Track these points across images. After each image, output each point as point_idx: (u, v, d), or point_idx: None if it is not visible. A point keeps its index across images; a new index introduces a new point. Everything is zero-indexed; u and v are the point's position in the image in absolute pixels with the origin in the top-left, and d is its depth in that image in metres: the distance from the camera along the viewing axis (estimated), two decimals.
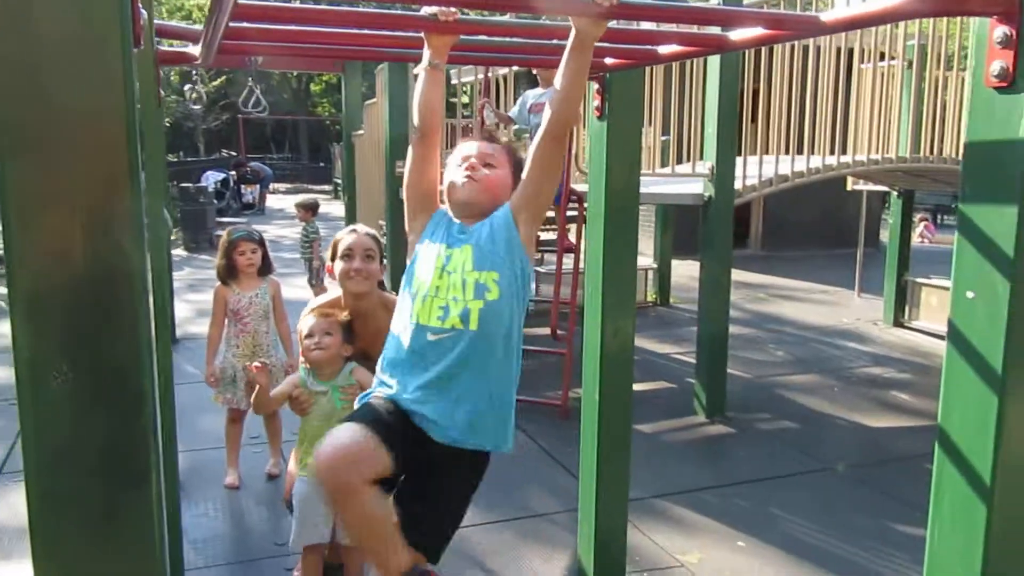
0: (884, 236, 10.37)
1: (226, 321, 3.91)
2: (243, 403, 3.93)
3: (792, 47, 5.68)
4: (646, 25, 2.14)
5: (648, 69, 4.52)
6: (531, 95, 5.35)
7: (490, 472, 2.14)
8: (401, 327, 1.96)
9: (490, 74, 6.24)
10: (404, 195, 2.12)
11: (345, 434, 1.77)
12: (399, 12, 1.75)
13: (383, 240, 2.87)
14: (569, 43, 1.77)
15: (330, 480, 1.73)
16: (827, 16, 1.76)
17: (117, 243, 0.92)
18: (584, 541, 3.06)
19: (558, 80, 1.81)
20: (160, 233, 3.06)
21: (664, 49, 2.24)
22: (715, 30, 2.10)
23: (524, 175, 1.93)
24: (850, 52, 6.26)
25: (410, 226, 2.09)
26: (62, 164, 0.90)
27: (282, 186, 26.74)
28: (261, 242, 4.01)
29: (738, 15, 1.84)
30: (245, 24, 1.65)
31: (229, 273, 3.90)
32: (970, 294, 1.52)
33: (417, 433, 1.90)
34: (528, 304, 1.99)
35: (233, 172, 19.83)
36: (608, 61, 2.47)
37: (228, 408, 3.97)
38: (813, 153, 5.80)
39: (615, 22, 1.88)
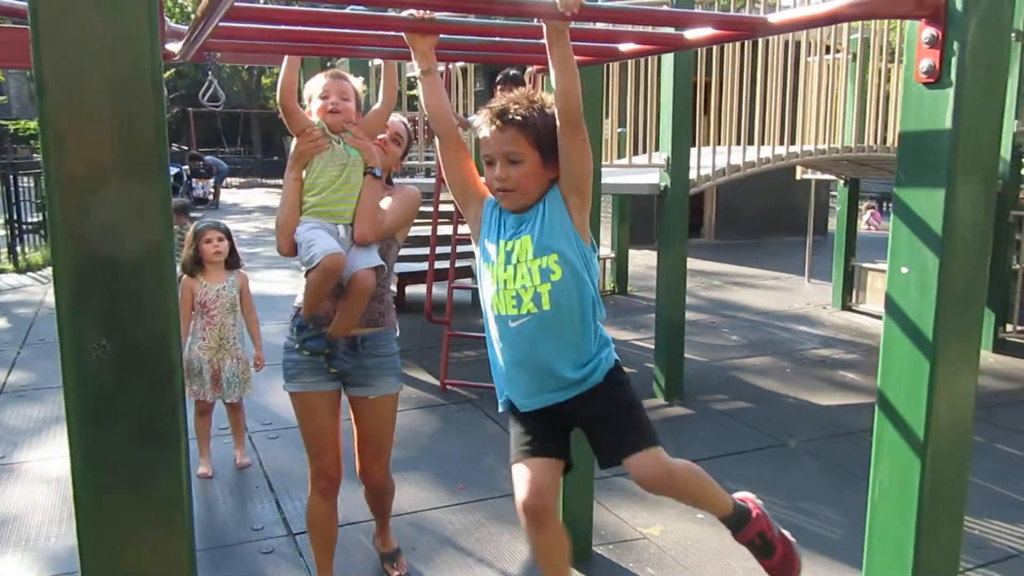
0: (832, 224, 10.70)
1: (192, 313, 3.96)
2: (209, 395, 3.99)
3: (742, 42, 5.87)
4: (601, 25, 2.26)
5: (605, 64, 4.66)
6: None
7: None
8: (486, 311, 2.14)
9: (450, 67, 6.30)
10: (449, 191, 2.25)
11: (524, 476, 2.10)
12: (380, 14, 1.85)
13: None
14: (545, 35, 1.87)
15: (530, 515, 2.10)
16: (774, 18, 1.91)
17: (149, 227, 1.01)
18: None
19: (552, 75, 1.91)
20: None
21: (624, 47, 2.37)
22: (670, 30, 2.23)
23: (560, 167, 2.02)
24: (797, 46, 6.47)
25: (464, 214, 2.23)
26: (102, 158, 1.00)
27: (235, 180, 26.33)
28: (227, 233, 4.06)
29: (693, 17, 1.98)
30: (235, 24, 1.73)
31: (196, 265, 3.94)
32: (904, 269, 1.68)
33: (555, 413, 2.09)
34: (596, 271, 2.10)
35: (186, 166, 19.45)
36: None
37: (195, 400, 4.02)
38: (763, 144, 6.00)
39: (575, 23, 1.99)
